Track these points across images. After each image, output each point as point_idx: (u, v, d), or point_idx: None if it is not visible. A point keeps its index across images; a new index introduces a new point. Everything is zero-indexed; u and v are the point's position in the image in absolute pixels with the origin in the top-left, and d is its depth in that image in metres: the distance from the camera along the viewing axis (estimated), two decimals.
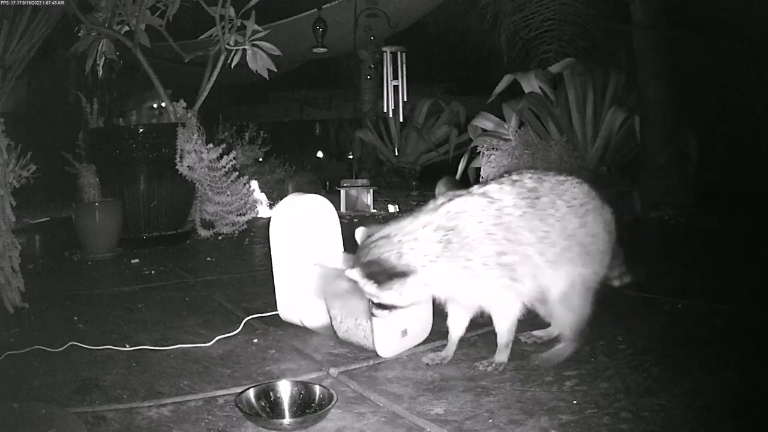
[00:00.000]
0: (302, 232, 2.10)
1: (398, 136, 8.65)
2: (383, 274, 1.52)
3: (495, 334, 2.01)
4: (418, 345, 1.94)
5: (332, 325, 2.00)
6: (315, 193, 2.25)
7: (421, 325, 1.96)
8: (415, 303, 1.65)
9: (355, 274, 1.54)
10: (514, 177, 1.67)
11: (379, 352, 1.83)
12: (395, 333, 1.86)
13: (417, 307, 1.88)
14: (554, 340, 1.85)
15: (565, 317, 1.71)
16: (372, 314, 1.67)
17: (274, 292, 2.21)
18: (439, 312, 1.85)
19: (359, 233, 1.64)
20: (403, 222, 1.59)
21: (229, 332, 2.09)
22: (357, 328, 1.90)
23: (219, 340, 2.04)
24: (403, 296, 1.57)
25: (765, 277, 2.60)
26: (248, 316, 2.30)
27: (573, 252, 1.65)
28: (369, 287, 1.54)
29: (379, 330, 1.82)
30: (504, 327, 1.70)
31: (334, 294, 1.96)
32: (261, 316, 2.27)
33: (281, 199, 6.54)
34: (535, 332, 1.96)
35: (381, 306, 1.61)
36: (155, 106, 4.85)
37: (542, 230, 1.61)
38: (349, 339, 1.95)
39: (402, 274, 1.52)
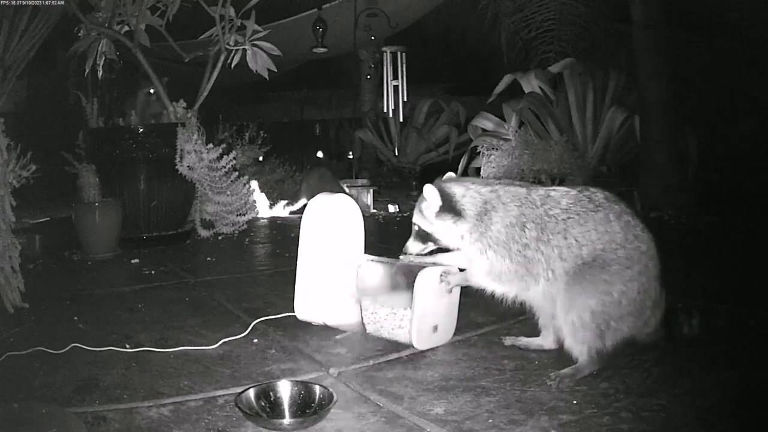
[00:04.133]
0: (333, 232, 2.12)
1: (398, 136, 8.65)
2: (448, 202, 1.73)
3: (495, 335, 2.03)
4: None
5: (362, 318, 2.02)
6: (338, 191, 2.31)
7: (448, 325, 1.99)
8: (448, 245, 1.80)
9: (429, 189, 1.74)
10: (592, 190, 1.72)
11: (415, 343, 1.87)
12: (429, 327, 1.90)
13: (447, 307, 1.95)
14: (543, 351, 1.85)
15: (573, 346, 1.66)
16: (404, 252, 1.85)
17: (275, 292, 2.21)
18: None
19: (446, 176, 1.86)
20: (481, 179, 1.79)
21: (236, 335, 2.08)
22: (392, 317, 1.93)
23: (222, 342, 2.03)
24: (445, 233, 1.76)
25: (765, 277, 2.59)
26: (249, 316, 2.30)
27: (595, 279, 1.61)
28: (431, 208, 1.75)
29: (417, 320, 1.85)
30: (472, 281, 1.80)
31: (372, 286, 2.00)
32: (270, 319, 2.25)
33: (281, 198, 6.51)
34: (522, 338, 1.92)
35: (420, 235, 1.81)
36: (152, 91, 4.80)
37: (577, 239, 1.63)
38: (378, 332, 1.99)
39: (458, 213, 1.73)
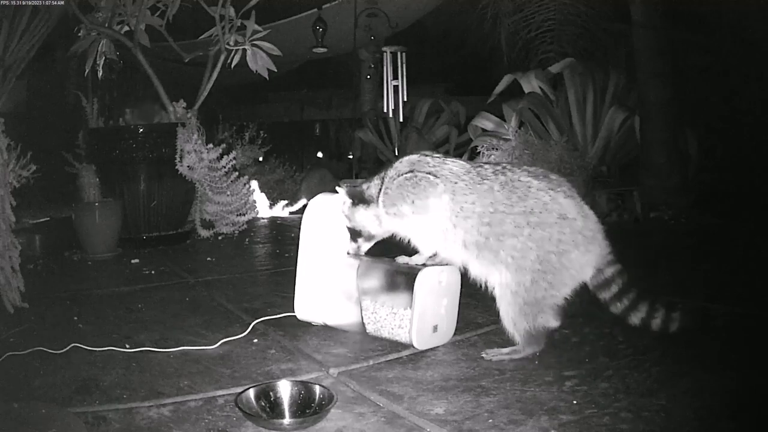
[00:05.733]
0: (333, 232, 2.12)
1: (398, 136, 8.65)
2: (357, 196, 1.97)
3: (495, 335, 2.03)
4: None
5: (362, 318, 2.02)
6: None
7: (448, 325, 2.00)
8: (370, 231, 1.98)
9: (342, 191, 1.98)
10: (495, 164, 1.87)
11: (415, 344, 1.88)
12: (429, 327, 1.91)
13: (447, 307, 1.97)
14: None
15: (507, 321, 1.77)
16: (348, 252, 2.04)
17: (275, 292, 2.20)
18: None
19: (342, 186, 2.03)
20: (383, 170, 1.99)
21: (236, 335, 2.07)
22: (392, 317, 1.93)
23: (222, 342, 2.03)
24: (364, 220, 1.96)
25: (765, 277, 2.60)
26: (249, 316, 2.30)
27: (502, 246, 1.73)
28: (345, 206, 1.98)
29: (417, 320, 1.86)
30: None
31: (372, 286, 2.01)
32: (270, 319, 2.25)
33: (281, 198, 6.50)
34: (502, 350, 1.83)
35: (352, 232, 2.00)
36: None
37: (463, 208, 1.77)
38: (378, 332, 1.98)
39: (366, 201, 1.95)
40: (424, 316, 1.88)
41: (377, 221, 1.95)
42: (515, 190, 1.75)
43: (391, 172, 1.92)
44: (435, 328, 1.93)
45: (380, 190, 1.92)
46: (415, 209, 1.84)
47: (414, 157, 1.92)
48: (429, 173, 1.83)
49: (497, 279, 1.77)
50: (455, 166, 1.85)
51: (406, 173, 1.87)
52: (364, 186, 1.98)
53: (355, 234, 2.00)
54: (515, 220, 1.72)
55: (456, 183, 1.79)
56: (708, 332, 2.01)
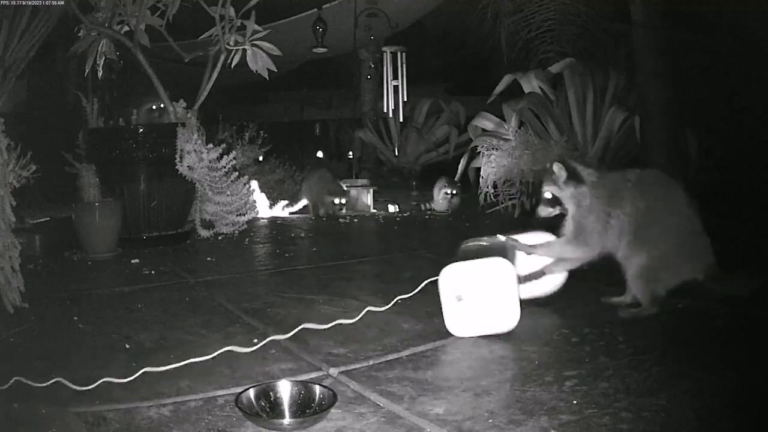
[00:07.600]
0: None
1: (398, 136, 8.66)
2: (572, 172, 2.21)
3: (496, 336, 2.03)
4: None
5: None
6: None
7: (499, 318, 2.01)
8: (567, 207, 2.25)
9: (557, 165, 2.22)
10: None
11: (446, 319, 2.04)
12: (468, 314, 2.02)
13: (499, 299, 2.02)
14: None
15: (637, 292, 2.20)
16: (537, 214, 2.34)
17: (275, 292, 2.20)
18: None
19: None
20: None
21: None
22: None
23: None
24: (568, 197, 2.23)
25: (765, 278, 2.59)
26: (249, 316, 2.30)
27: (649, 243, 2.13)
28: (561, 178, 2.21)
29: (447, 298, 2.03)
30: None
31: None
32: (317, 327, 2.25)
33: (281, 198, 6.45)
34: (614, 298, 2.33)
35: (550, 201, 2.27)
36: (154, 107, 4.84)
37: (639, 203, 2.15)
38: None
39: (579, 179, 2.21)
40: (457, 307, 2.02)
41: (575, 204, 2.23)
42: (672, 198, 2.20)
43: (593, 180, 2.20)
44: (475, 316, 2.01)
45: (593, 182, 2.20)
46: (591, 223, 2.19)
47: (616, 174, 2.25)
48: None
49: (643, 254, 2.13)
50: (630, 175, 2.22)
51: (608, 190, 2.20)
52: (575, 164, 2.25)
53: (554, 202, 2.27)
54: (671, 220, 2.17)
55: (638, 194, 2.16)
56: (708, 332, 2.02)
